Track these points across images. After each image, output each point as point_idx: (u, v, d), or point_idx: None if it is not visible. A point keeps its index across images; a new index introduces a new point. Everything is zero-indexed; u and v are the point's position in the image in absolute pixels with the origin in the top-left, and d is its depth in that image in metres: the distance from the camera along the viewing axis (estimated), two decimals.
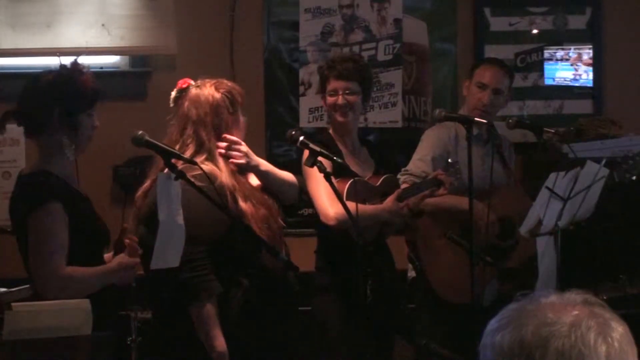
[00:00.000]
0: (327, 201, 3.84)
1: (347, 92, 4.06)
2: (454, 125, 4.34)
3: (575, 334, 1.32)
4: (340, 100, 4.06)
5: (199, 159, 3.23)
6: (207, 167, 3.23)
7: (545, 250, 3.84)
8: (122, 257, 3.24)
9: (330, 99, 4.09)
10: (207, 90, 3.35)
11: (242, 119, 3.42)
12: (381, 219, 4.00)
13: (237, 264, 3.24)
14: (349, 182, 3.84)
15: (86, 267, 3.20)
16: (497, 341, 1.35)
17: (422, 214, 4.23)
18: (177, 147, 3.27)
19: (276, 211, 3.39)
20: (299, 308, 3.55)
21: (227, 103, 3.34)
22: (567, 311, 1.34)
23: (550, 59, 5.56)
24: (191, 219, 3.08)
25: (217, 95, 3.33)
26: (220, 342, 3.18)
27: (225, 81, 3.42)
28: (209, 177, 3.13)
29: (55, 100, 3.23)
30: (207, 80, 3.40)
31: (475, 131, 4.28)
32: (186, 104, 3.35)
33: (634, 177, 4.21)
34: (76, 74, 3.29)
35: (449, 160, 4.18)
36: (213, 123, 3.32)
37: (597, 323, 1.33)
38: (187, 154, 3.23)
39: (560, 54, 5.57)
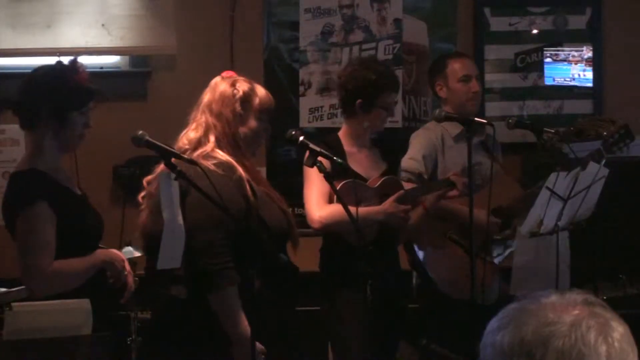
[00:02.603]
0: (315, 204, 3.84)
1: None
2: (440, 127, 4.37)
3: (576, 333, 1.32)
4: (393, 113, 4.22)
5: (208, 147, 3.28)
6: (224, 157, 3.28)
7: (521, 249, 3.86)
8: (109, 254, 3.27)
9: (383, 112, 4.12)
10: (226, 83, 3.39)
11: (254, 123, 3.40)
12: (375, 221, 3.97)
13: (250, 256, 3.26)
14: (341, 184, 3.82)
15: (72, 259, 3.20)
16: (497, 340, 1.35)
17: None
18: (192, 126, 3.35)
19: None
20: (305, 308, 3.56)
21: (236, 99, 3.35)
22: (568, 311, 1.34)
23: (551, 59, 5.56)
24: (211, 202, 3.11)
25: (230, 90, 3.36)
26: (244, 327, 3.17)
27: (255, 86, 3.43)
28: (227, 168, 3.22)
29: (44, 95, 3.24)
30: (242, 78, 3.43)
31: (458, 130, 4.29)
32: (206, 89, 3.42)
33: (621, 151, 4.28)
34: (70, 72, 3.28)
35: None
36: (218, 111, 3.34)
37: (597, 323, 1.33)
38: (195, 136, 3.31)
39: (560, 54, 5.57)
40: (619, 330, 1.35)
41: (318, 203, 3.81)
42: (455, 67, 4.46)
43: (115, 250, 3.39)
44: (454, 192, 4.09)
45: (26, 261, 3.18)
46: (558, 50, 5.56)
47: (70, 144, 3.32)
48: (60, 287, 3.13)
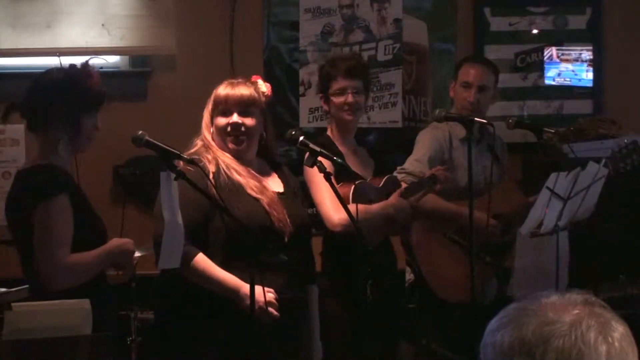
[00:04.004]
0: (331, 207, 3.80)
1: (354, 90, 4.03)
2: (447, 126, 4.35)
3: (576, 333, 1.32)
4: (350, 98, 4.02)
5: (196, 148, 3.45)
6: (204, 155, 3.41)
7: (523, 250, 3.86)
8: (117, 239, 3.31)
9: (338, 98, 4.03)
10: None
11: (220, 120, 3.48)
12: (388, 215, 3.98)
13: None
14: (354, 185, 3.82)
15: (85, 252, 3.22)
16: (497, 340, 1.35)
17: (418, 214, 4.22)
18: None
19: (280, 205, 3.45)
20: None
21: (210, 103, 3.51)
22: (568, 310, 1.35)
23: (551, 59, 5.56)
24: None
25: (208, 106, 3.54)
26: (230, 278, 3.25)
27: (219, 87, 3.53)
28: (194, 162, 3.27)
29: (60, 98, 3.25)
30: (238, 79, 3.59)
31: (464, 132, 4.25)
32: None
33: (628, 168, 4.19)
34: (84, 76, 3.31)
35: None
36: (204, 124, 3.54)
37: (597, 322, 1.33)
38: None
39: (560, 54, 5.57)
40: (619, 330, 1.35)
41: (333, 205, 3.77)
42: (463, 71, 4.44)
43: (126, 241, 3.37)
44: (438, 187, 4.06)
45: (42, 253, 3.17)
46: (558, 50, 5.56)
47: (80, 146, 3.34)
48: (75, 281, 3.16)
